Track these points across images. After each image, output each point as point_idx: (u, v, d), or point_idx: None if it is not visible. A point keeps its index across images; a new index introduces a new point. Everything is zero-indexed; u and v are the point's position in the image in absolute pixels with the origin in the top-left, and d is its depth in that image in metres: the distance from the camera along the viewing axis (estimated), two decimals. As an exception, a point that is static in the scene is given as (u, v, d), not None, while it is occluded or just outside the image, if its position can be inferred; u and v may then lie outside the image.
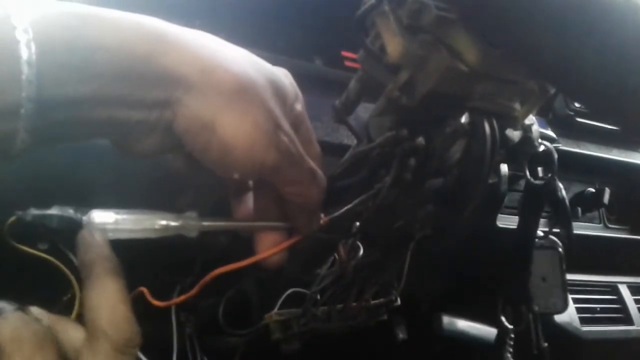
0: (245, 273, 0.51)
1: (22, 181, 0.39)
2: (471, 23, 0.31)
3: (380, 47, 0.34)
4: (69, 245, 0.32)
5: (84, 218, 0.31)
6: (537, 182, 0.47)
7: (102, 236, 0.30)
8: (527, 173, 0.47)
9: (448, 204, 0.39)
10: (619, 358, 0.84)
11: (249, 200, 0.39)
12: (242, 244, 0.37)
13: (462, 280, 0.70)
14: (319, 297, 0.50)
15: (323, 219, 0.38)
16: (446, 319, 0.67)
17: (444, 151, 0.37)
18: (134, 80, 0.27)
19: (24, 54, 0.23)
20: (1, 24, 0.23)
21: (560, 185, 0.46)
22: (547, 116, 0.82)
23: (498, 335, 0.54)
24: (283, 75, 0.35)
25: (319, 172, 0.35)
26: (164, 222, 0.32)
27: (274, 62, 0.35)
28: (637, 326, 0.84)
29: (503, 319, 0.53)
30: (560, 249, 0.56)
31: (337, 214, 0.39)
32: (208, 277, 0.35)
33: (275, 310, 0.51)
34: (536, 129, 0.44)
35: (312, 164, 0.34)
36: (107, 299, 0.28)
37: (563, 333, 0.76)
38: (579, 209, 0.78)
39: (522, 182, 0.48)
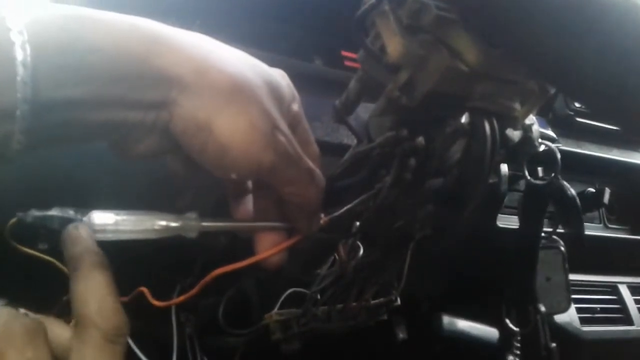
0: (245, 273, 0.51)
1: (23, 182, 0.39)
2: (471, 23, 0.31)
3: (380, 47, 0.34)
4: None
5: (84, 219, 0.31)
6: (538, 182, 0.47)
7: (87, 231, 0.30)
8: (527, 173, 0.47)
9: (448, 204, 0.39)
10: (619, 358, 0.84)
11: (249, 202, 0.39)
12: (242, 244, 0.37)
13: (462, 280, 0.70)
14: (319, 297, 0.50)
15: (323, 219, 0.38)
16: (446, 319, 0.67)
17: (444, 151, 0.37)
18: (130, 81, 0.27)
19: (19, 55, 0.24)
20: None
21: (567, 184, 0.46)
22: (547, 116, 0.82)
23: (503, 338, 0.54)
24: (279, 76, 0.35)
25: (317, 172, 0.35)
26: (163, 223, 0.32)
27: (274, 62, 0.35)
28: (637, 326, 0.84)
29: (508, 321, 0.53)
30: (562, 248, 0.55)
31: (337, 214, 0.39)
32: (208, 278, 0.35)
33: (275, 310, 0.51)
34: (536, 128, 0.43)
35: (310, 164, 0.34)
36: (95, 290, 0.28)
37: (563, 333, 0.76)
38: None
39: (523, 182, 0.48)
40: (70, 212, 0.31)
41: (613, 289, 0.87)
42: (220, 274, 0.35)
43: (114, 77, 0.27)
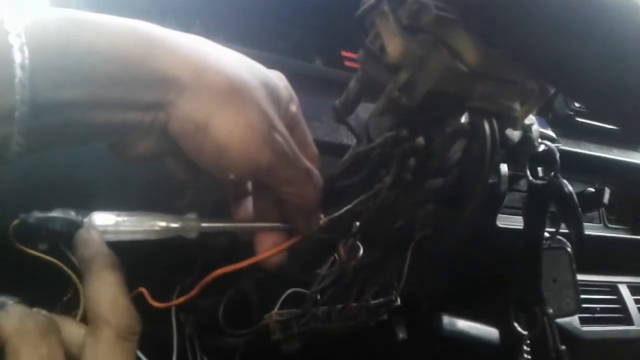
0: (245, 273, 0.51)
1: (25, 184, 0.39)
2: (471, 23, 0.31)
3: (380, 47, 0.34)
4: (70, 246, 0.32)
5: (85, 220, 0.31)
6: (539, 181, 0.47)
7: (99, 234, 0.30)
8: (528, 173, 0.47)
9: (448, 204, 0.39)
10: (619, 358, 0.84)
11: (248, 204, 0.39)
12: (242, 244, 0.37)
13: (462, 280, 0.70)
14: (319, 297, 0.50)
15: (323, 219, 0.38)
16: (446, 319, 0.67)
17: (444, 151, 0.37)
18: (128, 83, 0.28)
19: (18, 57, 0.24)
20: None
21: (565, 181, 0.46)
22: (547, 116, 0.82)
23: (511, 341, 0.53)
24: (277, 78, 0.35)
25: (315, 172, 0.35)
26: (163, 224, 0.33)
27: (274, 62, 0.35)
28: (637, 326, 0.84)
29: (516, 324, 0.52)
30: (569, 249, 0.55)
31: (337, 214, 0.39)
32: (208, 278, 0.35)
33: (275, 310, 0.51)
34: (536, 128, 0.44)
35: (308, 164, 0.34)
36: (108, 290, 0.29)
37: (563, 333, 0.76)
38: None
39: (522, 182, 0.48)
40: (72, 214, 0.31)
41: (613, 288, 0.87)
42: (220, 275, 0.35)
43: (112, 79, 0.27)
